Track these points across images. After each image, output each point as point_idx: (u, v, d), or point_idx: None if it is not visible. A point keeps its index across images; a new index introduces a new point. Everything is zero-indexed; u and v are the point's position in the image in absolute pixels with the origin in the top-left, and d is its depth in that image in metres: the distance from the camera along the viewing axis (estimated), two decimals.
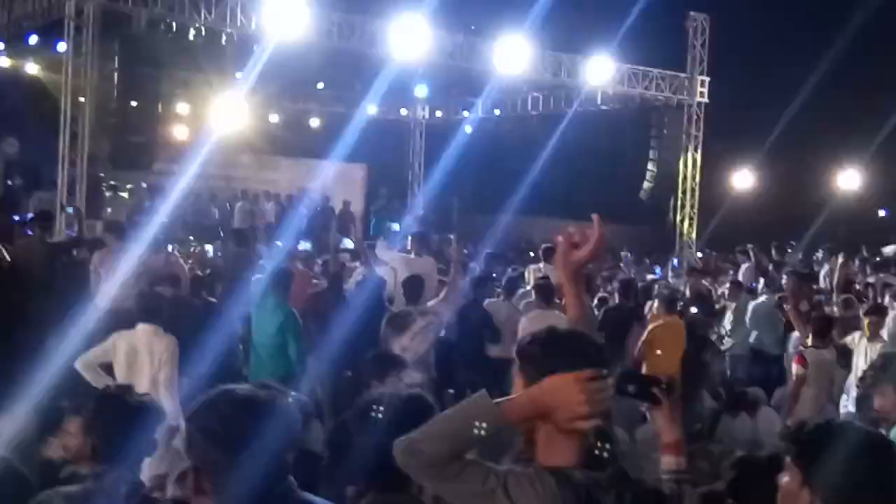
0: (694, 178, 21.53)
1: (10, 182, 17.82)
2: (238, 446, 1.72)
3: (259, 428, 1.72)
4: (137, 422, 3.47)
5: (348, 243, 13.37)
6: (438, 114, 25.73)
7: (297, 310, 7.67)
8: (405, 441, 2.12)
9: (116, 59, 16.06)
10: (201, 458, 1.73)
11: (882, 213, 30.41)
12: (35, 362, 6.89)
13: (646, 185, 28.54)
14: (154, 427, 3.61)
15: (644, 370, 7.54)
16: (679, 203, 21.76)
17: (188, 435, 1.80)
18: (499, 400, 2.14)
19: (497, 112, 24.26)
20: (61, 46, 14.69)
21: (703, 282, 13.24)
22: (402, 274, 8.43)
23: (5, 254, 8.35)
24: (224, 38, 16.43)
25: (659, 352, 8.32)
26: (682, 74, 20.89)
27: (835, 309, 10.34)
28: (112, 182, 18.14)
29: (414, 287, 7.63)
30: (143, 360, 5.95)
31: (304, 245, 11.27)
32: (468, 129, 24.88)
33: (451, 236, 19.76)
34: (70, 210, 13.50)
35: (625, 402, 2.44)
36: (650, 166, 28.20)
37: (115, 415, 3.49)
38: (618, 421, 2.31)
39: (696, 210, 21.52)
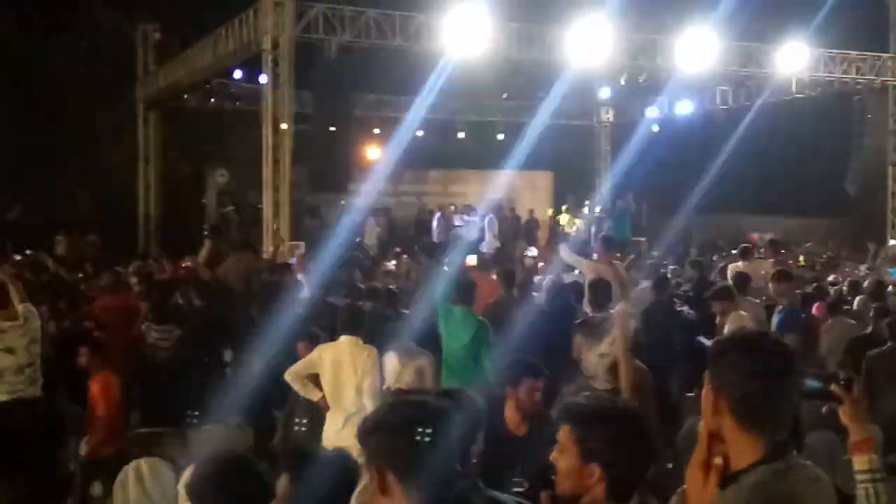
0: None
1: (222, 209, 19.23)
2: (422, 445, 1.83)
3: (441, 427, 1.83)
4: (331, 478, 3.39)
5: (533, 251, 13.45)
6: (622, 116, 25.37)
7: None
8: None
9: (312, 86, 16.96)
10: (387, 456, 1.84)
11: None
12: (244, 374, 7.41)
13: (851, 174, 26.86)
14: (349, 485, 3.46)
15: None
16: (890, 192, 20.39)
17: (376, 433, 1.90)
18: None
19: (684, 109, 23.64)
20: (262, 79, 15.67)
21: None
22: (588, 278, 8.35)
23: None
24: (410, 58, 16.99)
25: None
26: (886, 55, 19.60)
27: None
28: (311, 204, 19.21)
29: (600, 291, 7.43)
30: (347, 370, 6.24)
31: (471, 259, 11.11)
32: (655, 128, 24.41)
33: (642, 239, 19.56)
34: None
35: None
36: (854, 154, 26.53)
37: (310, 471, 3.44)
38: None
39: None
